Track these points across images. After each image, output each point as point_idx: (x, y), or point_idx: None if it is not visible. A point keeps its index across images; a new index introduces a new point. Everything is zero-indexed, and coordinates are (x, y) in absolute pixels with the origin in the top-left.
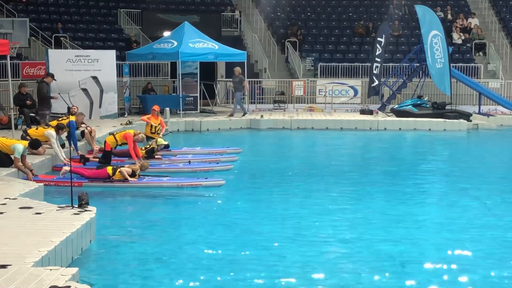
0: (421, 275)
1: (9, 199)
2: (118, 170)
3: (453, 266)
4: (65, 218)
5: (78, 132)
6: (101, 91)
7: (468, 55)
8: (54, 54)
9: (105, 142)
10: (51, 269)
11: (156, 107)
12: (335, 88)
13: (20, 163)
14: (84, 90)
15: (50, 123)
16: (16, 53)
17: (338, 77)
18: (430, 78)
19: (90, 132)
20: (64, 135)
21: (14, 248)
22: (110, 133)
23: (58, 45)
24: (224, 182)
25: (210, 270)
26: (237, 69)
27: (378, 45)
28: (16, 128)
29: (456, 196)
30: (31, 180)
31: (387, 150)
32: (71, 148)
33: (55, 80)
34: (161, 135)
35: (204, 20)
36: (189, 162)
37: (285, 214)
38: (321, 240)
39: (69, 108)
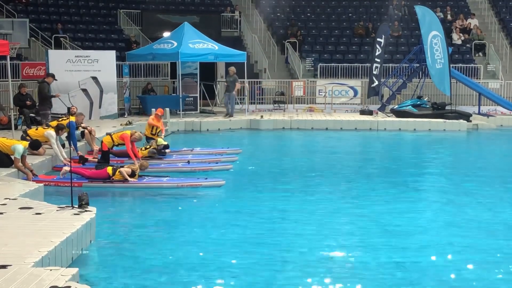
0: (421, 275)
1: (9, 199)
2: (118, 170)
3: (453, 266)
4: (65, 219)
5: (78, 132)
6: (101, 92)
7: (467, 56)
8: (54, 55)
9: (102, 142)
10: (51, 270)
11: (160, 112)
12: (335, 89)
13: (20, 164)
14: (84, 90)
15: (50, 123)
16: (16, 54)
17: (338, 78)
18: (430, 78)
19: (90, 132)
20: (64, 135)
21: (14, 248)
22: (108, 133)
23: (58, 45)
24: (224, 183)
25: (210, 271)
26: (232, 69)
27: (377, 46)
28: (16, 128)
29: (456, 196)
30: (31, 180)
31: (387, 151)
32: (71, 149)
33: (56, 80)
34: (162, 137)
35: (204, 20)
36: (188, 162)
37: (284, 215)
38: (321, 240)
39: (69, 109)
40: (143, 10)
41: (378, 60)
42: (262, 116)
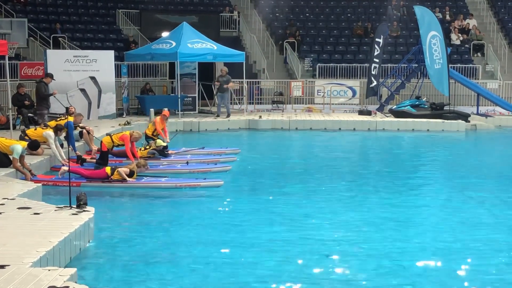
0: (421, 275)
1: (8, 199)
2: (116, 170)
3: (453, 267)
4: (63, 218)
5: (76, 132)
6: (99, 92)
7: (466, 56)
8: (53, 55)
9: (101, 142)
10: (49, 270)
11: (167, 113)
12: (334, 89)
13: (18, 164)
14: (82, 90)
15: (48, 123)
16: (15, 54)
17: (337, 78)
18: (429, 78)
19: (88, 132)
20: (62, 135)
21: (12, 248)
22: (107, 134)
23: (57, 45)
24: (222, 183)
25: (209, 271)
26: (224, 69)
27: (376, 46)
28: (14, 128)
29: (455, 196)
30: (29, 180)
31: (385, 151)
32: (69, 149)
33: (54, 80)
34: (168, 139)
35: (202, 20)
36: (187, 163)
37: (283, 215)
38: (320, 240)
39: (67, 109)
40: (141, 10)
41: (377, 60)
42: (260, 116)
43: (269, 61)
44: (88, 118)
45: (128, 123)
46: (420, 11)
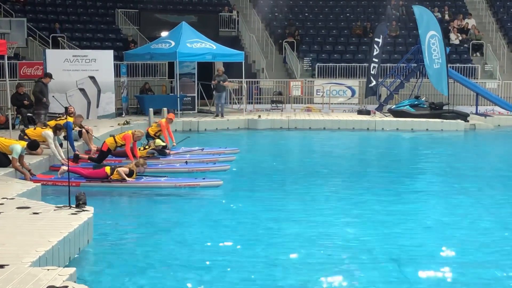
0: (421, 275)
1: (7, 199)
2: (116, 170)
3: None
4: (62, 218)
5: (75, 132)
6: (99, 91)
7: (465, 56)
8: (52, 54)
9: (104, 142)
10: (48, 269)
11: (172, 116)
12: (333, 89)
13: (18, 164)
14: (82, 90)
15: (48, 123)
16: (14, 53)
17: (336, 78)
18: (428, 78)
19: (87, 132)
20: (61, 135)
21: (11, 248)
22: (111, 135)
23: (56, 45)
24: (222, 183)
25: (208, 271)
26: (221, 69)
27: (375, 46)
28: (13, 128)
29: (454, 196)
30: (28, 180)
31: (384, 151)
32: (69, 148)
33: (53, 79)
34: (175, 143)
35: (201, 20)
36: (186, 162)
37: (282, 214)
38: (319, 240)
39: (66, 108)
40: (141, 10)
41: (376, 60)
42: (260, 116)
43: (268, 61)
44: (87, 117)
45: (127, 123)
46: (419, 10)
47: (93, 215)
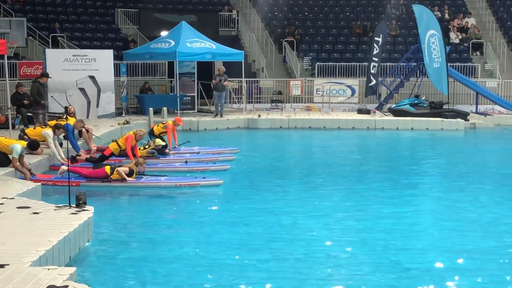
0: (421, 275)
1: (7, 198)
2: (116, 169)
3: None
4: (62, 218)
5: (75, 132)
6: (99, 91)
7: (465, 55)
8: (52, 54)
9: (107, 147)
10: (48, 269)
11: (180, 121)
12: (333, 88)
13: (18, 163)
14: (82, 89)
15: (48, 122)
16: (14, 53)
17: (336, 77)
18: (428, 77)
19: (87, 131)
20: (61, 134)
21: (11, 247)
22: (113, 140)
23: (56, 44)
24: (222, 182)
25: (208, 271)
26: (222, 68)
27: (375, 45)
28: (13, 127)
29: (454, 195)
30: (28, 179)
31: (384, 150)
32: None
33: (51, 77)
34: (177, 144)
35: (201, 19)
36: (186, 162)
37: (282, 215)
38: (319, 239)
39: (66, 108)
40: (140, 9)
41: (376, 59)
42: (259, 116)
43: (268, 60)
44: (87, 117)
45: (127, 122)
46: (418, 9)
47: (93, 214)
